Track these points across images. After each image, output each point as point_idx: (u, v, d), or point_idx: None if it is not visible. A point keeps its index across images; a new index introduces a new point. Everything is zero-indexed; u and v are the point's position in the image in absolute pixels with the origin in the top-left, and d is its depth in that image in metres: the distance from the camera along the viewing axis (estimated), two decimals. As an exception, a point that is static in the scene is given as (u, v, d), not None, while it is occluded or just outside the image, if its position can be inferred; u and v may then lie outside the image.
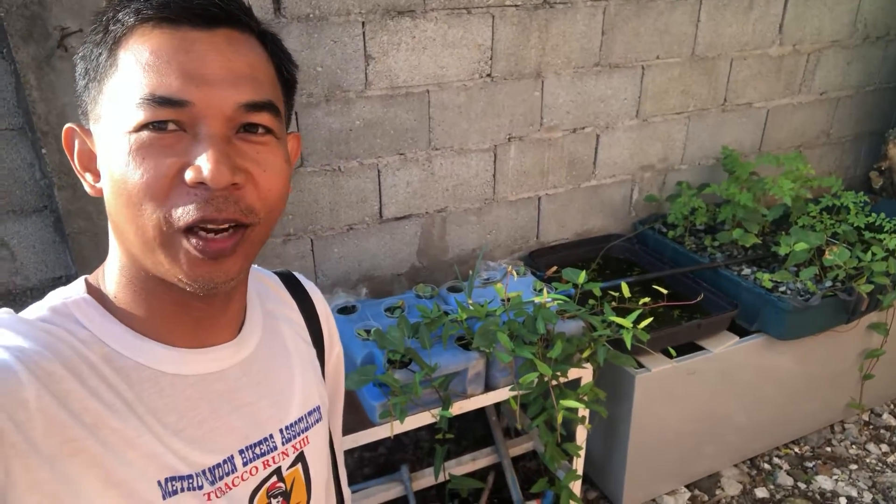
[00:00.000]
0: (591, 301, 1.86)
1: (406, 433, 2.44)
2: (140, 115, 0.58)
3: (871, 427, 2.63)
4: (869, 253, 2.13)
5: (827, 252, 2.11)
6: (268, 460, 0.73)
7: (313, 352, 0.86)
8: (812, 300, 2.06)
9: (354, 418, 1.71)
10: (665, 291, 1.86)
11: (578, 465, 1.99)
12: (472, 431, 2.44)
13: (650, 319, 1.69)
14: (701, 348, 2.10)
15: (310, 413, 0.80)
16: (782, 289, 2.14)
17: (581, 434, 1.96)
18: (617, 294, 1.83)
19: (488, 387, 1.78)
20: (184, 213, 0.58)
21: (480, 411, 2.20)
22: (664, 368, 2.00)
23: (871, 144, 3.03)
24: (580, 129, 2.34)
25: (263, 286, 0.84)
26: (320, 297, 0.91)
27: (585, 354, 1.79)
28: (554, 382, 1.73)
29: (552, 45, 2.16)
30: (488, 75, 2.11)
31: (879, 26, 2.76)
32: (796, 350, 2.24)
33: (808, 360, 2.31)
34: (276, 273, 0.89)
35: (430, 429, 2.40)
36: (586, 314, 1.78)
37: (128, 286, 0.66)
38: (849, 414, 2.62)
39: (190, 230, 0.59)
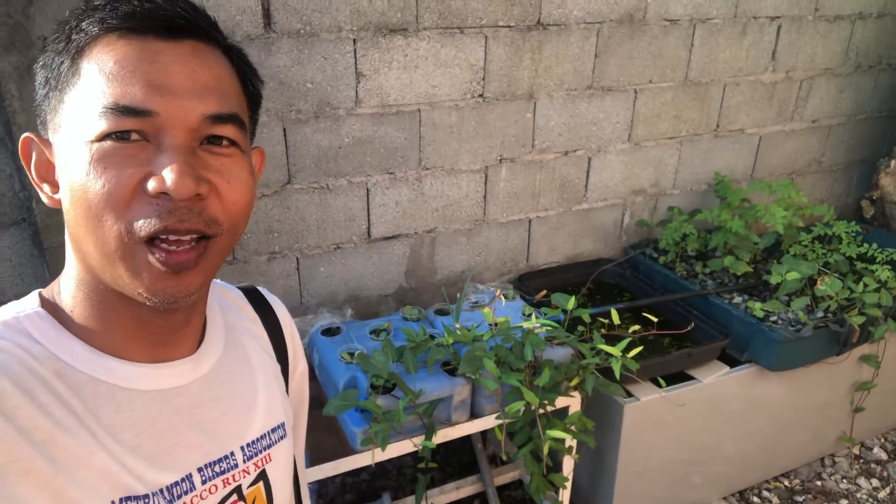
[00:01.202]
0: (580, 328, 1.83)
1: (389, 459, 2.38)
2: (102, 125, 0.56)
3: (861, 461, 2.60)
4: (861, 284, 2.11)
5: (819, 282, 2.08)
6: (228, 478, 0.71)
7: (278, 367, 0.84)
8: (803, 331, 2.03)
9: (334, 441, 1.66)
10: (655, 319, 1.83)
11: (565, 496, 1.94)
12: (457, 458, 2.39)
13: (640, 348, 1.66)
14: (691, 377, 2.07)
15: (273, 430, 0.78)
16: (773, 318, 2.12)
17: (568, 464, 1.92)
18: (607, 321, 1.79)
19: (474, 414, 1.74)
20: (145, 224, 0.57)
21: (466, 438, 2.15)
22: (653, 398, 1.96)
23: (863, 173, 3.03)
24: (572, 152, 2.32)
25: (226, 300, 0.82)
26: (285, 312, 0.89)
27: (573, 383, 1.75)
28: (541, 411, 1.68)
29: (545, 67, 2.14)
30: (480, 95, 2.09)
31: (871, 55, 2.77)
32: (787, 381, 2.21)
33: (799, 392, 2.28)
34: (239, 287, 0.87)
35: (414, 455, 2.34)
36: (575, 341, 1.74)
37: (85, 300, 0.64)
38: (839, 447, 2.59)
39: (151, 242, 0.58)
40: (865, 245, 2.30)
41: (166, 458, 0.66)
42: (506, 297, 2.04)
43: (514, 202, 2.30)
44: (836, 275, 2.20)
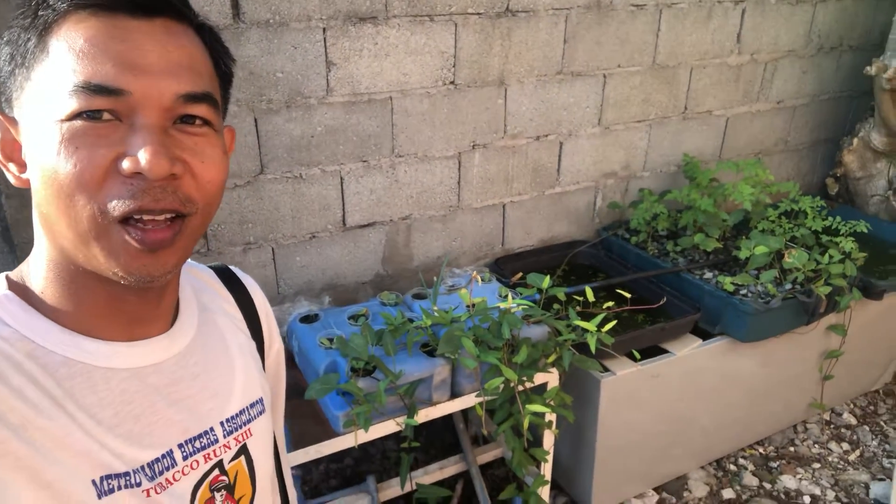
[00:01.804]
0: (556, 306, 1.86)
1: (372, 443, 2.41)
2: (73, 104, 0.56)
3: (832, 426, 2.68)
4: (826, 256, 2.17)
5: (786, 255, 2.14)
6: (209, 453, 0.72)
7: (253, 344, 0.84)
8: (773, 302, 2.09)
9: (318, 429, 1.67)
10: (629, 295, 1.88)
11: (546, 470, 1.98)
12: (440, 440, 2.42)
13: (614, 322, 1.70)
14: (665, 351, 2.12)
15: (252, 405, 0.79)
16: (743, 292, 2.17)
17: (548, 439, 1.96)
18: (582, 298, 1.83)
19: (454, 394, 1.77)
20: (120, 203, 0.57)
21: (448, 419, 2.18)
22: (629, 372, 2.01)
23: (827, 151, 3.11)
24: (544, 137, 2.35)
25: (197, 280, 0.82)
26: (258, 291, 0.89)
27: (551, 359, 1.78)
28: (520, 388, 1.72)
29: (515, 53, 2.17)
30: (452, 82, 2.11)
31: (833, 37, 2.84)
32: (758, 352, 2.27)
33: (770, 362, 2.35)
34: (210, 267, 0.87)
35: (397, 439, 2.37)
36: (551, 319, 1.78)
37: (56, 280, 0.64)
38: (810, 414, 2.67)
39: (126, 221, 0.58)
40: (830, 219, 2.37)
41: (146, 436, 0.66)
42: (482, 280, 2.07)
43: (487, 187, 2.33)
44: (803, 248, 2.27)
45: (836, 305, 2.20)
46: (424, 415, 1.71)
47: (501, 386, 1.67)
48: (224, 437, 0.74)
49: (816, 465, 2.48)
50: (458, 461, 2.11)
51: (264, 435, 0.80)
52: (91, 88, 0.56)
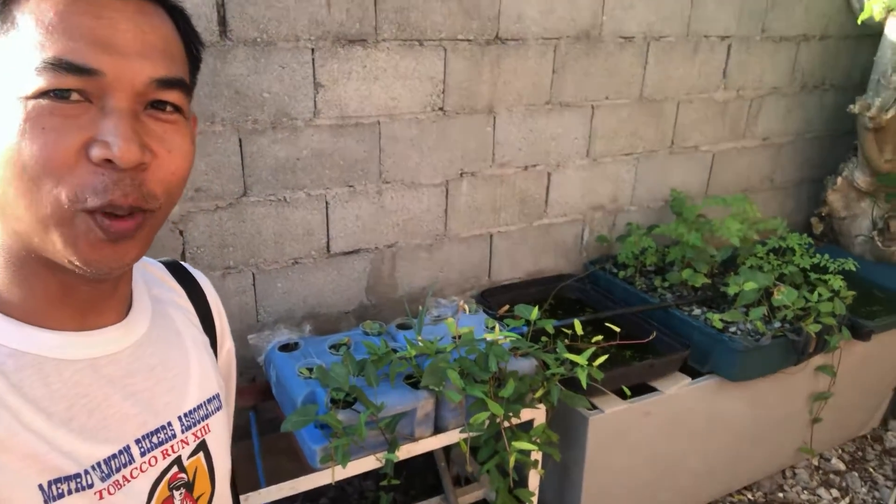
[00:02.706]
0: (544, 339, 1.81)
1: (350, 482, 2.30)
2: (40, 81, 0.52)
3: (820, 472, 2.63)
4: (815, 294, 2.15)
5: (775, 292, 2.11)
6: (167, 449, 0.69)
7: (206, 339, 0.81)
8: (762, 340, 2.05)
9: (294, 466, 1.59)
10: (618, 330, 1.82)
11: (531, 512, 1.90)
12: (421, 480, 2.32)
13: (605, 357, 1.64)
14: (653, 389, 2.06)
15: (209, 400, 0.76)
16: (732, 329, 2.13)
17: (534, 479, 1.88)
18: (570, 332, 1.78)
19: (438, 429, 1.69)
20: (92, 196, 0.54)
21: (430, 459, 2.09)
22: (618, 409, 1.94)
23: (812, 191, 3.13)
24: (532, 167, 2.32)
25: (148, 273, 0.79)
26: (210, 287, 0.86)
27: (538, 394, 1.72)
28: (506, 424, 1.65)
29: (504, 81, 2.15)
30: (440, 108, 2.08)
31: (816, 76, 2.87)
32: (747, 392, 2.22)
33: (759, 403, 2.30)
34: (161, 261, 0.84)
35: (376, 478, 2.27)
36: (539, 352, 1.72)
37: (5, 268, 0.60)
38: (799, 458, 2.61)
39: (92, 212, 0.55)
40: (818, 256, 2.35)
41: (101, 431, 0.62)
42: (469, 310, 2.01)
43: (475, 217, 2.28)
44: (791, 286, 2.24)
45: (825, 345, 2.16)
46: (406, 451, 1.63)
47: (487, 421, 1.60)
48: (182, 432, 0.71)
49: (806, 511, 2.42)
50: (440, 503, 2.02)
51: (222, 432, 0.78)
52: (62, 66, 0.52)
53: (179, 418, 0.71)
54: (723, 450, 2.32)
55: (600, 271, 2.48)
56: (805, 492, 2.52)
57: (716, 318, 2.12)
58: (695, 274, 2.26)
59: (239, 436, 1.93)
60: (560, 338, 1.83)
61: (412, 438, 1.64)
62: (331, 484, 1.53)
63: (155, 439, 0.68)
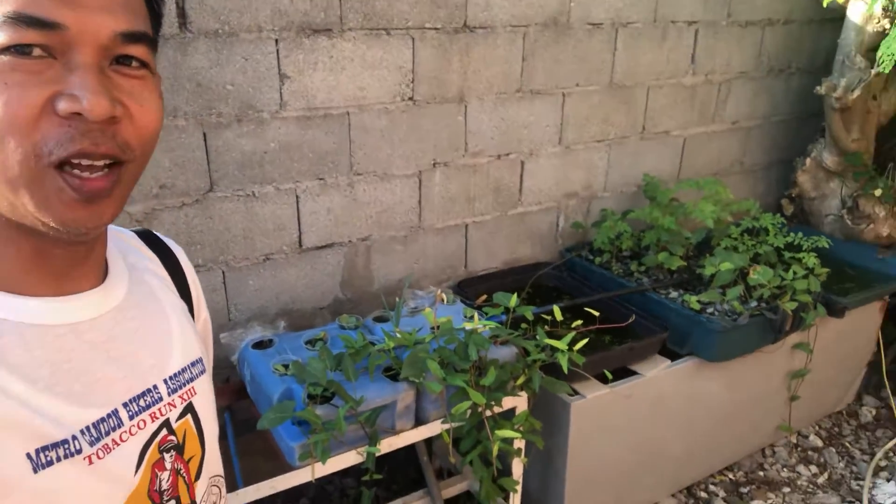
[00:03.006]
0: (524, 326, 1.79)
1: (331, 481, 2.26)
2: (1, 37, 0.50)
3: (799, 449, 2.65)
4: (790, 272, 2.16)
5: (751, 272, 2.12)
6: (154, 412, 0.68)
7: (184, 305, 0.80)
8: (740, 319, 2.06)
9: (271, 465, 1.54)
10: (597, 314, 1.81)
11: (515, 501, 1.88)
12: (403, 475, 2.29)
13: (586, 340, 1.63)
14: (633, 373, 2.06)
15: (193, 364, 0.75)
16: (710, 310, 2.14)
17: (517, 468, 1.86)
18: (550, 318, 1.76)
19: (419, 420, 1.66)
20: (56, 147, 0.52)
21: (412, 453, 2.06)
22: (600, 394, 1.93)
23: (782, 173, 3.16)
24: (505, 156, 2.31)
25: (122, 241, 0.77)
26: (183, 254, 0.85)
27: (520, 381, 1.70)
28: (488, 413, 1.63)
29: (474, 70, 2.13)
30: (410, 98, 2.05)
31: (782, 60, 2.90)
32: (726, 373, 2.23)
33: (738, 383, 2.31)
34: (132, 230, 0.82)
35: (357, 475, 2.23)
36: (519, 339, 1.70)
37: None
38: (778, 437, 2.63)
39: (62, 168, 0.53)
40: (792, 235, 2.37)
41: (88, 395, 0.61)
42: (446, 300, 1.98)
43: (449, 207, 2.26)
44: (766, 265, 2.25)
45: (801, 322, 2.18)
46: (388, 444, 1.60)
47: (469, 411, 1.57)
48: (168, 395, 0.70)
49: (787, 490, 2.43)
50: (423, 496, 2.00)
51: (208, 395, 0.77)
52: (23, 20, 0.50)
53: (165, 381, 0.70)
54: (703, 431, 2.32)
55: (577, 258, 2.47)
56: (785, 469, 2.54)
57: (693, 300, 2.12)
58: (670, 257, 2.26)
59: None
60: (539, 325, 1.81)
61: (393, 431, 1.61)
62: (311, 482, 1.50)
63: (142, 402, 0.66)
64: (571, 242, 2.59)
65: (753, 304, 2.17)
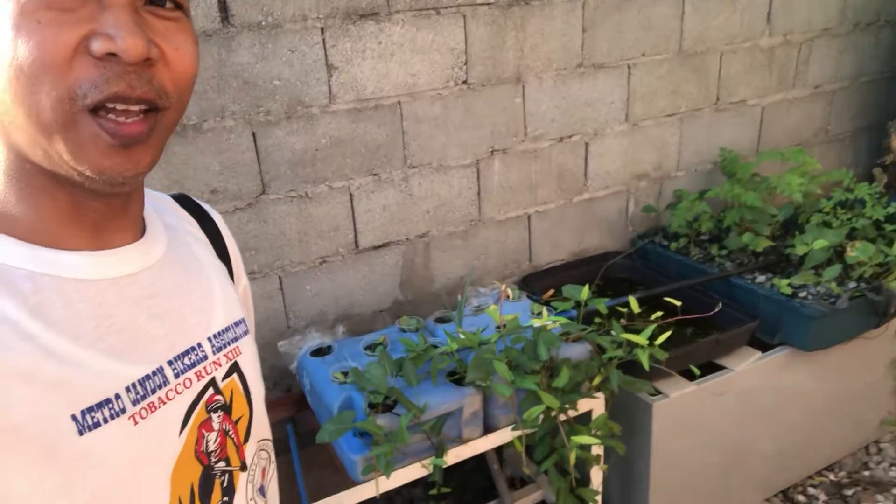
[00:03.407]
0: (597, 320, 1.65)
1: (398, 492, 2.17)
2: None
3: (908, 443, 2.41)
4: (894, 246, 1.94)
5: (848, 248, 1.91)
6: (200, 371, 0.65)
7: (224, 267, 0.76)
8: (839, 302, 1.86)
9: (337, 479, 1.46)
10: (678, 303, 1.65)
11: (597, 510, 1.74)
12: (473, 485, 2.18)
13: (669, 333, 1.48)
14: (718, 368, 1.88)
15: (236, 323, 0.72)
16: (803, 294, 1.94)
17: (596, 476, 1.72)
18: (625, 310, 1.61)
19: (488, 428, 1.55)
20: (91, 89, 0.50)
21: (481, 461, 1.95)
22: (684, 393, 1.77)
23: (871, 140, 2.88)
24: (567, 138, 2.16)
25: (159, 203, 0.74)
26: (221, 219, 0.82)
27: (596, 382, 1.56)
28: (562, 417, 1.50)
29: (531, 46, 1.99)
30: (464, 82, 1.93)
31: (869, 12, 2.63)
32: (824, 363, 2.02)
33: (838, 374, 2.10)
34: (168, 195, 0.79)
35: (425, 486, 2.14)
36: (594, 335, 1.56)
37: (9, 186, 0.55)
38: (883, 432, 2.39)
39: (96, 112, 0.51)
40: (893, 205, 2.13)
41: (132, 352, 0.58)
42: (512, 296, 1.85)
43: (510, 197, 2.13)
44: (865, 240, 2.03)
45: (909, 304, 1.95)
46: (455, 455, 1.49)
47: (542, 416, 1.45)
48: (213, 353, 0.67)
49: (897, 489, 2.20)
50: (496, 505, 1.88)
51: (253, 356, 0.74)
52: None
53: (209, 339, 0.67)
54: (799, 428, 2.12)
55: (650, 245, 2.30)
56: (893, 468, 2.30)
57: (783, 284, 1.93)
58: (756, 237, 2.06)
59: (278, 450, 1.82)
60: (613, 318, 1.66)
61: (460, 440, 1.50)
62: (376, 497, 1.41)
63: (187, 360, 0.63)
64: (643, 228, 2.42)
65: (852, 284, 1.96)
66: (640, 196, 2.38)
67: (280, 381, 1.92)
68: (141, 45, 0.50)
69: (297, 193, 1.81)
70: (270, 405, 1.79)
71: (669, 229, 2.28)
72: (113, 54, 0.50)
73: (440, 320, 1.80)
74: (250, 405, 0.71)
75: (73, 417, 0.52)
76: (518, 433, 1.50)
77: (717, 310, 1.74)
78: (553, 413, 1.47)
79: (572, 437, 1.44)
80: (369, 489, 1.40)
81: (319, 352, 1.69)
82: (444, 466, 1.43)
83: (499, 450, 1.93)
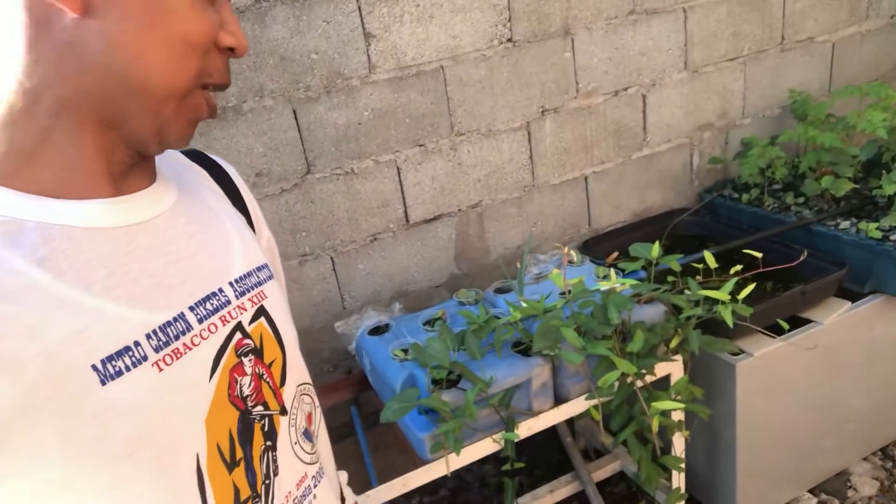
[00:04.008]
0: (671, 279, 1.53)
1: (468, 469, 2.11)
2: None
3: None
4: None
5: (945, 186, 1.73)
6: (224, 316, 0.63)
7: (242, 217, 0.75)
8: (939, 245, 1.69)
9: (404, 458, 1.41)
10: (759, 255, 1.52)
11: (680, 481, 1.64)
12: (546, 458, 2.11)
13: (752, 286, 1.36)
14: (804, 322, 1.74)
15: (258, 269, 0.70)
16: (894, 237, 1.77)
17: (679, 443, 1.62)
18: (702, 266, 1.49)
19: (558, 399, 1.46)
20: (217, 72, 0.59)
21: (552, 434, 1.87)
22: (769, 350, 1.64)
23: (958, 70, 2.63)
24: (623, 91, 2.03)
25: (168, 160, 0.71)
26: (236, 173, 0.80)
27: (673, 344, 1.46)
28: (639, 383, 1.40)
29: (577, -4, 1.87)
30: (509, 40, 1.82)
31: (950, -71, 2.40)
32: (922, 311, 1.85)
33: (938, 322, 1.92)
34: (178, 151, 0.78)
35: (496, 461, 2.07)
36: (668, 295, 1.45)
37: (27, 138, 0.53)
38: None
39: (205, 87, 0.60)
40: None
41: (150, 299, 0.57)
42: (573, 261, 1.76)
43: (564, 159, 2.02)
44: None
45: None
46: (526, 428, 1.41)
47: (617, 383, 1.36)
48: (237, 297, 0.65)
49: None
50: (571, 481, 1.80)
51: (280, 299, 0.72)
52: None
53: (231, 284, 0.65)
54: (895, 382, 1.96)
55: (719, 198, 2.15)
56: None
57: (872, 228, 1.77)
58: (837, 180, 1.90)
59: (344, 433, 1.78)
60: (684, 279, 1.55)
61: (531, 413, 1.43)
62: (446, 476, 1.34)
63: (209, 306, 0.62)
64: (710, 182, 2.28)
65: (951, 225, 1.78)
66: (705, 148, 2.23)
67: (340, 364, 1.88)
68: (247, 45, 0.61)
69: (343, 170, 1.76)
70: (332, 388, 1.75)
71: (739, 180, 2.13)
72: (231, 48, 0.59)
73: (500, 291, 1.72)
74: (282, 348, 0.69)
75: (94, 367, 0.50)
76: (593, 402, 1.41)
77: (801, 259, 1.60)
78: (629, 379, 1.37)
79: (653, 404, 1.34)
80: (439, 467, 1.34)
81: (377, 330, 1.64)
82: (516, 441, 1.36)
83: (570, 421, 1.85)
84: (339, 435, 1.84)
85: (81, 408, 0.49)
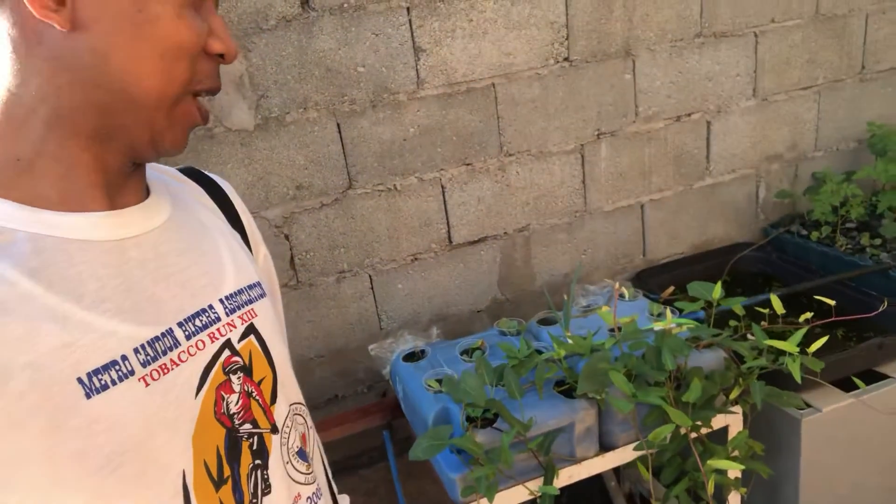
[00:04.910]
0: (733, 322, 1.41)
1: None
2: None
3: None
4: None
5: None
6: (213, 333, 0.63)
7: (237, 234, 0.75)
8: None
9: (436, 489, 1.32)
10: (832, 302, 1.38)
11: (734, 543, 1.50)
12: (586, 499, 1.98)
13: (825, 339, 1.22)
14: (880, 377, 1.58)
15: (250, 286, 0.70)
16: None
17: (734, 501, 1.48)
18: (768, 311, 1.36)
19: (604, 446, 1.34)
20: (206, 78, 0.60)
21: (595, 476, 1.74)
22: (840, 406, 1.49)
23: None
24: (685, 117, 1.91)
25: (162, 174, 0.73)
26: (232, 190, 0.81)
27: (733, 395, 1.33)
28: (693, 435, 1.27)
29: (641, 15, 1.77)
30: (566, 59, 1.74)
31: None
32: None
33: None
34: (175, 168, 0.79)
35: (534, 502, 1.96)
36: (729, 340, 1.33)
37: (22, 148, 0.55)
38: None
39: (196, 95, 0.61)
40: None
41: (139, 313, 0.57)
42: (624, 296, 1.64)
43: (620, 185, 1.91)
44: None
45: None
46: (567, 476, 1.30)
47: (670, 435, 1.23)
48: (227, 314, 0.66)
49: None
50: (613, 529, 1.67)
51: (271, 318, 0.72)
52: None
53: (221, 301, 0.66)
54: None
55: (786, 234, 2.01)
56: None
57: (961, 278, 1.60)
58: (921, 223, 1.74)
59: (376, 458, 1.70)
60: (747, 322, 1.42)
61: (573, 460, 1.31)
62: (477, 522, 1.24)
63: (198, 322, 0.62)
64: (776, 216, 2.13)
65: None
66: (772, 180, 2.09)
67: (375, 385, 1.80)
68: (236, 50, 0.61)
69: (386, 187, 1.69)
70: (365, 411, 1.67)
71: (809, 217, 1.98)
72: (221, 54, 0.60)
73: (544, 322, 1.61)
74: (272, 367, 0.70)
75: (80, 380, 0.51)
76: (641, 453, 1.29)
77: (881, 309, 1.45)
78: (683, 431, 1.25)
79: (708, 461, 1.21)
80: (470, 512, 1.23)
81: (412, 356, 1.55)
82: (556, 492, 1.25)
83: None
84: (371, 459, 1.76)
85: (65, 420, 0.49)
